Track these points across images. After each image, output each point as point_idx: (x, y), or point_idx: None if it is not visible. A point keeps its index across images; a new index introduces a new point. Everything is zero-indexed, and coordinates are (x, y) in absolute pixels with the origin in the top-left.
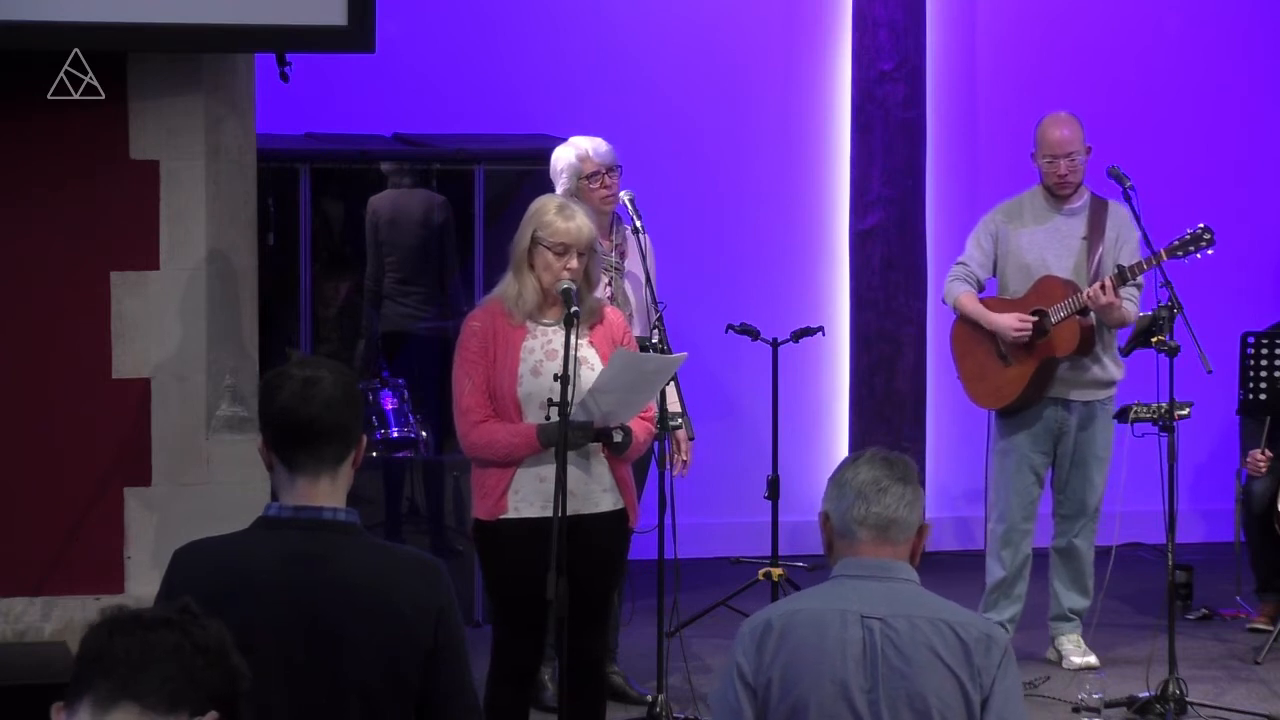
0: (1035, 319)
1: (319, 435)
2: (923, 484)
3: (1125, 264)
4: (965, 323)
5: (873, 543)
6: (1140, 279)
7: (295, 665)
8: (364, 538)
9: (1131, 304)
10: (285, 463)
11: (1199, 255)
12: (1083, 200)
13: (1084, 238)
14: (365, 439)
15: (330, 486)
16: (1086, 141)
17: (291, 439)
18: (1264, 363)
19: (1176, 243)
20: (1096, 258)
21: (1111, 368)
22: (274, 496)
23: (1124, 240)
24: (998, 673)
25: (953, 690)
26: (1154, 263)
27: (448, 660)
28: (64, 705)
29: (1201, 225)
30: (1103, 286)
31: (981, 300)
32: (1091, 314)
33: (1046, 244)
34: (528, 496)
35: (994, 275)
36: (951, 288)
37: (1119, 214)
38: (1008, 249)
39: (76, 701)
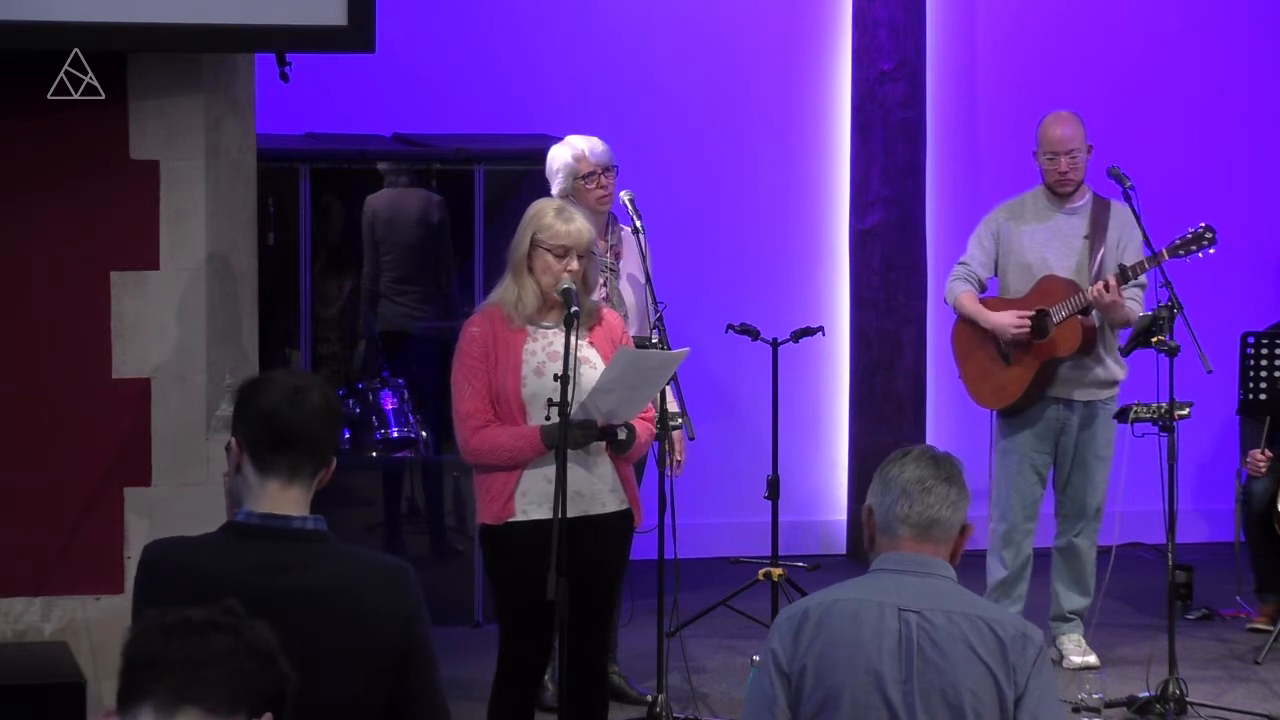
0: (1033, 315)
1: (304, 444)
2: None
3: (1127, 264)
4: (966, 323)
5: (914, 541)
6: (1143, 278)
7: None
8: (332, 545)
9: (1135, 303)
10: (258, 465)
11: (1200, 254)
12: (1085, 199)
13: (1086, 237)
14: (335, 461)
15: (301, 496)
16: (1088, 140)
17: (273, 443)
18: (1264, 363)
19: (1178, 242)
20: (1098, 257)
21: (1114, 367)
22: (232, 499)
23: (1126, 240)
24: (1032, 670)
25: (987, 686)
26: (1156, 262)
27: (417, 666)
28: (117, 712)
29: (1203, 224)
30: (1106, 286)
31: (982, 300)
32: (1094, 313)
33: (1048, 243)
34: (535, 499)
35: (995, 275)
36: (953, 287)
37: (1121, 214)
38: (1009, 248)
39: (135, 707)
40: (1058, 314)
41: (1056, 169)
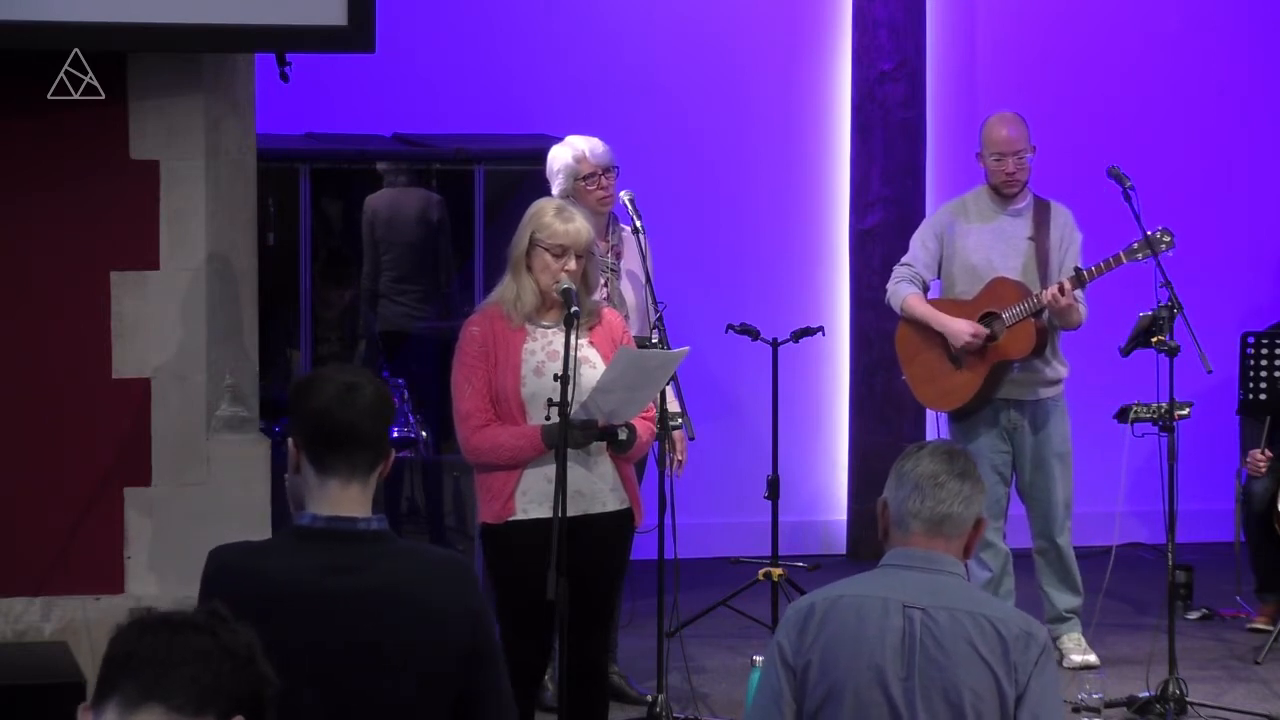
0: (988, 331)
1: (357, 441)
2: None
3: (1080, 266)
4: (911, 324)
5: (925, 535)
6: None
7: (333, 677)
8: (395, 544)
9: (1082, 305)
10: (317, 466)
11: (1158, 258)
12: (1026, 201)
13: (1030, 238)
14: (392, 453)
15: (361, 494)
16: (1032, 140)
17: (328, 442)
18: (1264, 363)
19: (1135, 245)
20: (1045, 259)
21: (1058, 366)
22: (294, 500)
23: (1068, 242)
24: (1034, 669)
25: (988, 684)
26: (1113, 265)
27: (485, 661)
28: (90, 706)
29: (1160, 228)
30: (1061, 289)
31: (930, 301)
32: (1045, 315)
33: (993, 244)
34: (536, 498)
35: (939, 277)
36: (897, 290)
37: (1061, 215)
38: (954, 249)
39: (103, 702)
40: (1011, 316)
41: (1003, 170)
